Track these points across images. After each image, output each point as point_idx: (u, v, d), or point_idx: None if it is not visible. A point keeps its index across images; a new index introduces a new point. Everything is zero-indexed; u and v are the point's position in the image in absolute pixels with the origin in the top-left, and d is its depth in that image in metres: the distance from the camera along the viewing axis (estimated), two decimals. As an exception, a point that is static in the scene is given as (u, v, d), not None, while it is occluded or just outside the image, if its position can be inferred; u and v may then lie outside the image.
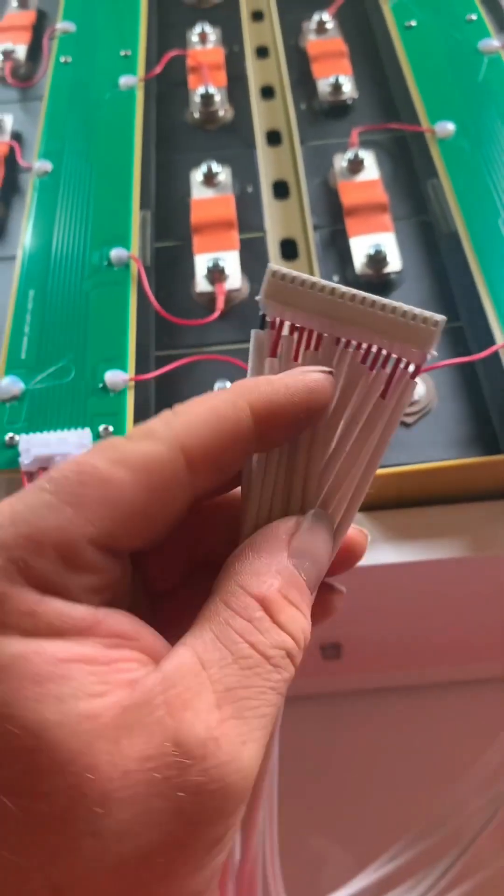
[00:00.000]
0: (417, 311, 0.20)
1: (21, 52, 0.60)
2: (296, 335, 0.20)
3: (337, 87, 0.54)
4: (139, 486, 0.18)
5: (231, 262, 0.45)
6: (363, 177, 0.49)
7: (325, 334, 0.20)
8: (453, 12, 0.56)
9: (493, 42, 0.53)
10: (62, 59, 0.57)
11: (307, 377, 0.19)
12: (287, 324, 0.20)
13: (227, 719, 0.16)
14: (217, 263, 0.44)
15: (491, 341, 0.39)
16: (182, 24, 0.62)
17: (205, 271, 0.45)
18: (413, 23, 0.56)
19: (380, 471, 0.38)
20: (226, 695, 0.16)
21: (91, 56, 0.57)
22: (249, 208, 0.49)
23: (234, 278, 0.44)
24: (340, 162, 0.50)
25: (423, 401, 0.39)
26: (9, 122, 0.55)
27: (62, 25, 0.60)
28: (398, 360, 0.20)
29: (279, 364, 0.21)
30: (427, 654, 0.48)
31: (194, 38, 0.60)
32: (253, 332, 0.21)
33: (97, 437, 0.36)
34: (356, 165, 0.49)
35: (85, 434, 0.36)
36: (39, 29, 0.63)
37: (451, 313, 0.43)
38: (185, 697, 0.16)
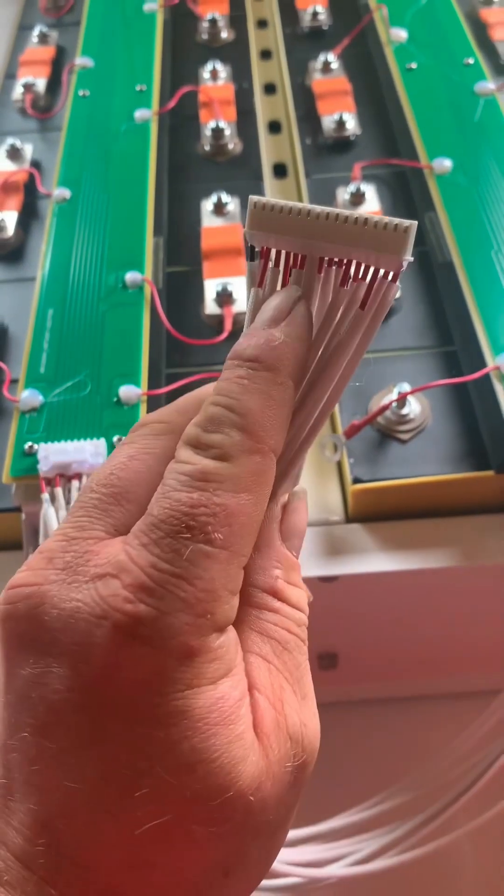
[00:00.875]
0: (388, 219, 0.20)
1: (41, 85, 0.63)
2: (281, 265, 0.21)
3: (341, 124, 0.57)
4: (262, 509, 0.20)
5: (239, 286, 0.47)
6: (365, 209, 0.52)
7: (307, 255, 0.21)
8: (452, 56, 0.60)
9: (488, 85, 0.56)
10: (80, 93, 0.60)
11: (301, 319, 0.21)
12: (273, 251, 0.21)
13: (301, 701, 0.20)
14: (225, 288, 0.47)
15: (482, 364, 0.41)
16: (195, 61, 0.66)
17: (214, 295, 0.47)
18: (414, 65, 0.59)
19: (376, 484, 0.40)
20: (292, 679, 0.20)
21: (108, 90, 0.60)
22: (256, 236, 0.51)
23: (242, 302, 0.47)
24: (343, 195, 0.52)
25: (418, 419, 0.42)
26: (29, 150, 0.58)
27: (81, 61, 0.63)
28: (376, 271, 0.20)
29: (265, 293, 0.21)
30: (422, 666, 0.50)
31: (206, 74, 0.63)
32: (248, 265, 0.22)
33: (111, 447, 0.38)
34: (358, 198, 0.52)
35: (100, 444, 0.38)
36: (59, 64, 0.66)
37: (445, 338, 0.46)
38: (280, 698, 0.19)
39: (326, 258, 0.21)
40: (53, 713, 0.17)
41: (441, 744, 0.48)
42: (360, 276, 0.21)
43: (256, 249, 0.21)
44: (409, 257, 0.20)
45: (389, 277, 0.20)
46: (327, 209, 0.20)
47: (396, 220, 0.20)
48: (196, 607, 0.18)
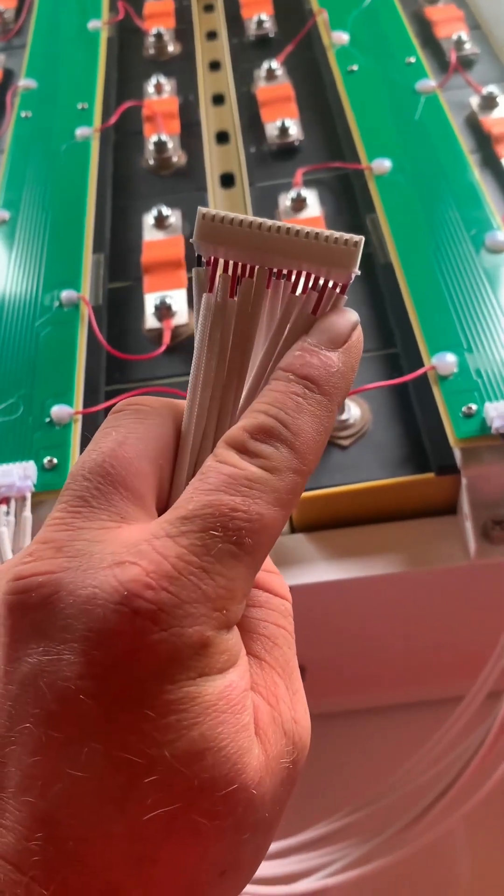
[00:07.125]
0: (337, 234, 0.20)
1: (-14, 109, 0.63)
2: (230, 271, 0.21)
3: (283, 130, 0.57)
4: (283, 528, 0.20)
5: (178, 299, 0.47)
6: (306, 214, 0.51)
7: (258, 267, 0.21)
8: (393, 56, 0.59)
9: (430, 82, 0.56)
10: (23, 114, 0.60)
11: (358, 351, 0.21)
12: (221, 261, 0.21)
13: (293, 697, 0.20)
14: (164, 301, 0.46)
15: (421, 365, 0.40)
16: (140, 76, 0.65)
17: (153, 309, 0.47)
18: (355, 67, 0.59)
19: (318, 492, 0.39)
20: (284, 674, 0.20)
21: (50, 110, 0.60)
22: (199, 248, 0.51)
23: (181, 315, 0.46)
24: (285, 201, 0.52)
25: (358, 423, 0.41)
26: (-28, 175, 0.58)
27: (24, 82, 0.63)
28: (326, 282, 0.21)
29: (217, 298, 0.21)
30: (389, 676, 0.49)
31: (150, 88, 0.63)
32: (194, 270, 0.22)
33: (41, 469, 0.38)
34: (299, 204, 0.51)
35: (29, 466, 0.37)
36: (4, 86, 0.66)
37: (388, 340, 0.45)
38: (275, 694, 0.19)
39: (276, 270, 0.21)
40: (62, 701, 0.17)
41: (411, 753, 0.47)
42: (308, 287, 0.21)
43: (204, 259, 0.21)
44: (357, 271, 0.20)
45: (338, 290, 0.21)
46: (277, 223, 0.21)
47: (346, 235, 0.20)
48: (215, 601, 0.18)
